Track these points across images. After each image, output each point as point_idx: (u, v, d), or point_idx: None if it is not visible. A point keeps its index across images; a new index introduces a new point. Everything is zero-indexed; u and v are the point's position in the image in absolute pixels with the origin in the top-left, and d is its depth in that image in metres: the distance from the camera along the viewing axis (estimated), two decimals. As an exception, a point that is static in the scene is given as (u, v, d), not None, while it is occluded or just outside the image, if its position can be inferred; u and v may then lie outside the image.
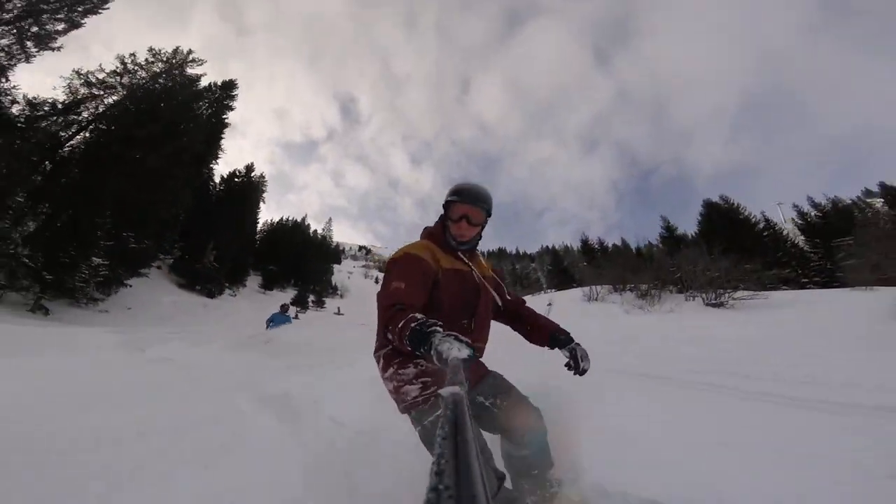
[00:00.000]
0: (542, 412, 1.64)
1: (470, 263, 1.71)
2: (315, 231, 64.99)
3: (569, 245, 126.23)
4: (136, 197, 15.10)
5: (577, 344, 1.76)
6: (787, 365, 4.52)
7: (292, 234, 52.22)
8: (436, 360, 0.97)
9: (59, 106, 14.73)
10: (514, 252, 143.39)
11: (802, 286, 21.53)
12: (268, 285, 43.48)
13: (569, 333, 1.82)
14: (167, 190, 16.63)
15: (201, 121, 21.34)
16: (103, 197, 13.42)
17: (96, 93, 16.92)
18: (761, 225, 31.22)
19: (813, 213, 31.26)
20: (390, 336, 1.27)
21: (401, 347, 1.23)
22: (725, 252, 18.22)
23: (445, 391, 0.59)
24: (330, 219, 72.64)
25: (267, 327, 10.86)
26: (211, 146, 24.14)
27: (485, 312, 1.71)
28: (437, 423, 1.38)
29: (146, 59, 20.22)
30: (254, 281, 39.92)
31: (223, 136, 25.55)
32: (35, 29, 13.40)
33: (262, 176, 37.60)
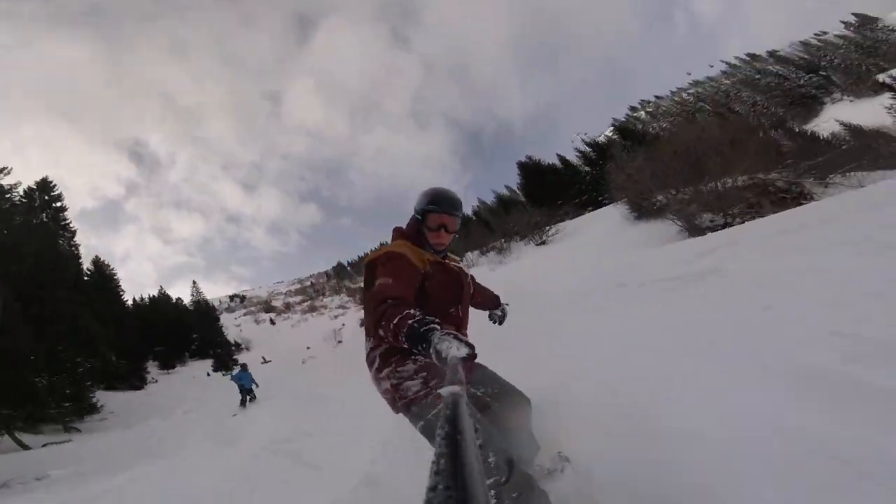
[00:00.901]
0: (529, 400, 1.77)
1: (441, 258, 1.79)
2: (178, 298, 60.39)
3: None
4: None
5: (505, 305, 2.34)
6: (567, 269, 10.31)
7: (156, 310, 48.54)
8: (435, 358, 0.97)
9: None
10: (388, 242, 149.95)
11: (599, 205, 30.88)
12: (167, 365, 41.32)
13: (498, 298, 2.34)
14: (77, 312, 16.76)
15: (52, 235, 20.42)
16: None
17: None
18: (560, 167, 42.35)
19: (585, 148, 43.32)
20: (382, 332, 1.24)
21: (395, 343, 1.22)
22: (542, 198, 26.31)
23: (445, 391, 0.60)
24: (194, 281, 68.36)
25: (239, 386, 13.30)
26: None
27: (467, 299, 1.84)
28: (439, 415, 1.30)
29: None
30: (152, 366, 37.70)
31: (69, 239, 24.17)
32: None
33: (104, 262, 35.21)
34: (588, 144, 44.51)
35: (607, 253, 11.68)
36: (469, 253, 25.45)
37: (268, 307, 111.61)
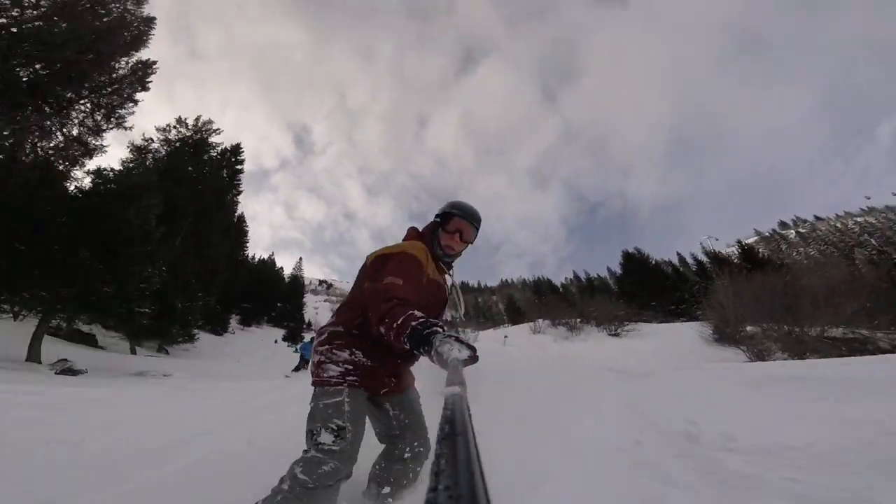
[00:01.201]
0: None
1: (445, 276, 1.79)
2: (281, 268, 68.59)
3: (526, 279, 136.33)
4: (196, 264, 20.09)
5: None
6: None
7: (260, 271, 55.73)
8: (436, 360, 0.98)
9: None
10: (475, 286, 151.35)
11: (693, 318, 29.16)
12: (246, 322, 46.85)
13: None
14: (220, 255, 21.57)
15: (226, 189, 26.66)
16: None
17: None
18: (669, 269, 40.46)
19: (700, 256, 40.91)
20: (383, 329, 1.24)
21: (395, 343, 1.19)
22: (637, 293, 25.84)
23: (446, 391, 0.62)
24: (301, 258, 76.72)
25: (302, 354, 15.12)
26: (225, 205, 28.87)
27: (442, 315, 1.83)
28: (332, 407, 1.47)
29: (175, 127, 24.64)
30: (233, 318, 43.15)
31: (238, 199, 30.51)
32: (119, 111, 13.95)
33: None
34: (707, 254, 42.08)
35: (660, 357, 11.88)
36: (540, 320, 25.93)
37: None
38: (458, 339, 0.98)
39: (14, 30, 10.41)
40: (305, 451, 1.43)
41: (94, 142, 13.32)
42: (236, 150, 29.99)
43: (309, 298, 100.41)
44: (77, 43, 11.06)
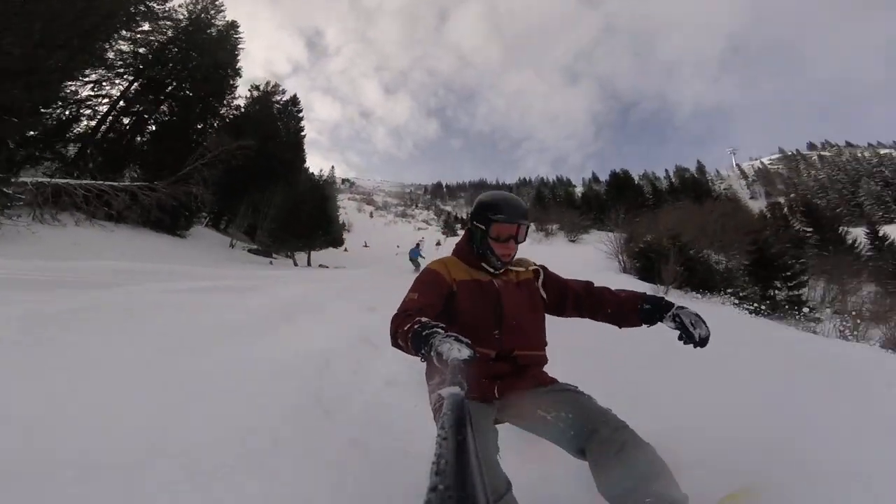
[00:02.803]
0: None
1: (492, 272, 1.62)
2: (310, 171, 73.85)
3: (545, 178, 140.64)
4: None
5: (681, 307, 1.45)
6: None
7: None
8: (436, 361, 0.99)
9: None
10: (493, 182, 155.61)
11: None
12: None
13: (662, 299, 1.53)
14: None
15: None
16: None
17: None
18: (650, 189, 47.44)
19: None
20: (400, 342, 1.24)
21: (405, 351, 1.21)
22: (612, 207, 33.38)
23: (445, 391, 0.63)
24: (332, 166, 78.05)
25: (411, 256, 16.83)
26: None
27: (518, 317, 1.56)
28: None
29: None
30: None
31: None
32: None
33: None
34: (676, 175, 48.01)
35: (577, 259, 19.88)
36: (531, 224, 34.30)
37: (369, 200, 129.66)
38: (457, 339, 0.98)
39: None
40: None
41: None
42: (294, 100, 32.67)
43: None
44: None
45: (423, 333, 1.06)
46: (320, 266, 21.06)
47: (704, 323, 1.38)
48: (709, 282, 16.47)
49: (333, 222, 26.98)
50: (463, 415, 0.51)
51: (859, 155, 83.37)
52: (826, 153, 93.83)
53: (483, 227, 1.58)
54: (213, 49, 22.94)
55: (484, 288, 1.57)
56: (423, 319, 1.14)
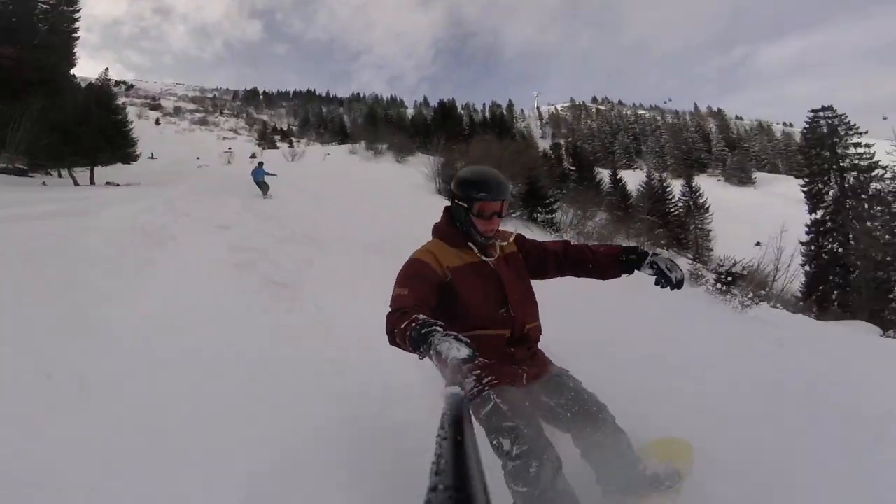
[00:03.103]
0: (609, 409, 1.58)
1: (480, 252, 1.63)
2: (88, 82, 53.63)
3: (379, 95, 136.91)
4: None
5: (655, 254, 1.60)
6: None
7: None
8: (435, 360, 1.00)
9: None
10: (323, 94, 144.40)
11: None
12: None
13: (637, 248, 1.67)
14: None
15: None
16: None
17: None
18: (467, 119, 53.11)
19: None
20: (398, 340, 1.23)
21: (404, 349, 1.22)
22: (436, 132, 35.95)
23: (445, 391, 0.62)
24: (107, 69, 52.79)
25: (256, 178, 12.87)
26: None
27: (518, 292, 1.65)
28: (493, 414, 1.43)
29: None
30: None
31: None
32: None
33: None
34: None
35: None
36: (362, 142, 34.53)
37: (154, 105, 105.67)
38: (456, 338, 0.99)
39: None
40: (504, 467, 1.37)
41: None
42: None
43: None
44: None
45: (422, 332, 1.07)
46: (107, 184, 17.72)
47: (679, 267, 1.52)
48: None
49: (126, 136, 23.22)
50: (463, 414, 0.52)
51: (623, 113, 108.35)
52: (602, 107, 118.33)
53: (466, 206, 1.57)
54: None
55: (482, 271, 1.60)
56: (421, 317, 1.15)
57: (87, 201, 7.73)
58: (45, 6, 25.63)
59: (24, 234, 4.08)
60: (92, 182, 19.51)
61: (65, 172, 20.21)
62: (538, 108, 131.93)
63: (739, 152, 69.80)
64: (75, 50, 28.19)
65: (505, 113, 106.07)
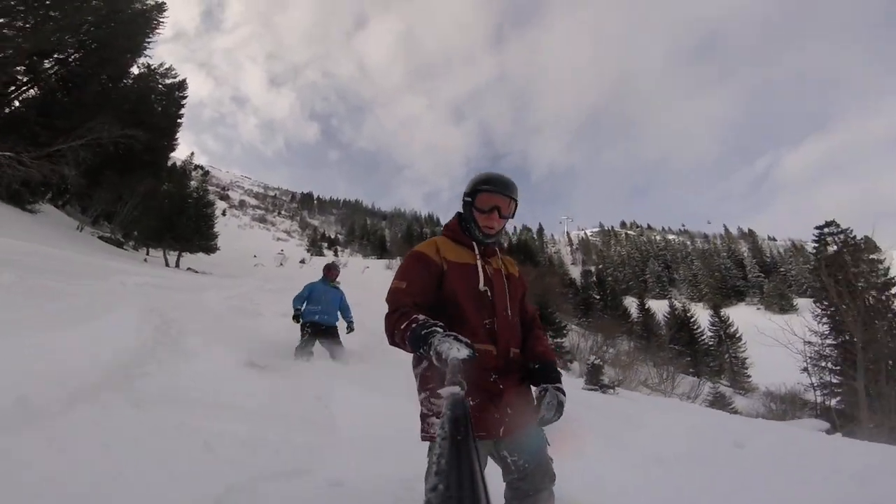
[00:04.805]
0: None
1: (481, 258, 1.58)
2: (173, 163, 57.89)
3: (418, 212, 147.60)
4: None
5: (556, 387, 1.45)
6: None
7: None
8: (435, 360, 1.01)
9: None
10: (369, 206, 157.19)
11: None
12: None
13: (555, 374, 1.52)
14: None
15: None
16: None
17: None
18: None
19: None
20: (398, 340, 1.26)
21: (404, 349, 1.25)
22: None
23: (445, 391, 0.63)
24: (192, 153, 52.56)
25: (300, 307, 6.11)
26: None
27: (508, 309, 1.56)
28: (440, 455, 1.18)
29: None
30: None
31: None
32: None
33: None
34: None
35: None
36: (395, 260, 38.49)
37: (223, 195, 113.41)
38: (456, 338, 1.00)
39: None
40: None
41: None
42: (182, 86, 30.92)
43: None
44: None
45: (422, 333, 1.10)
46: (188, 269, 21.60)
47: (558, 413, 1.37)
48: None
49: (211, 228, 27.79)
50: (462, 414, 0.52)
51: (652, 238, 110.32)
52: (630, 232, 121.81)
53: (470, 199, 1.57)
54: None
55: (471, 273, 1.53)
56: (421, 318, 1.17)
57: (194, 282, 10.43)
58: (162, 88, 29.44)
59: (170, 300, 6.27)
60: (177, 265, 23.02)
61: (153, 251, 23.99)
62: (567, 233, 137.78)
63: (776, 277, 69.83)
64: (178, 135, 31.52)
65: (535, 237, 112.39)
